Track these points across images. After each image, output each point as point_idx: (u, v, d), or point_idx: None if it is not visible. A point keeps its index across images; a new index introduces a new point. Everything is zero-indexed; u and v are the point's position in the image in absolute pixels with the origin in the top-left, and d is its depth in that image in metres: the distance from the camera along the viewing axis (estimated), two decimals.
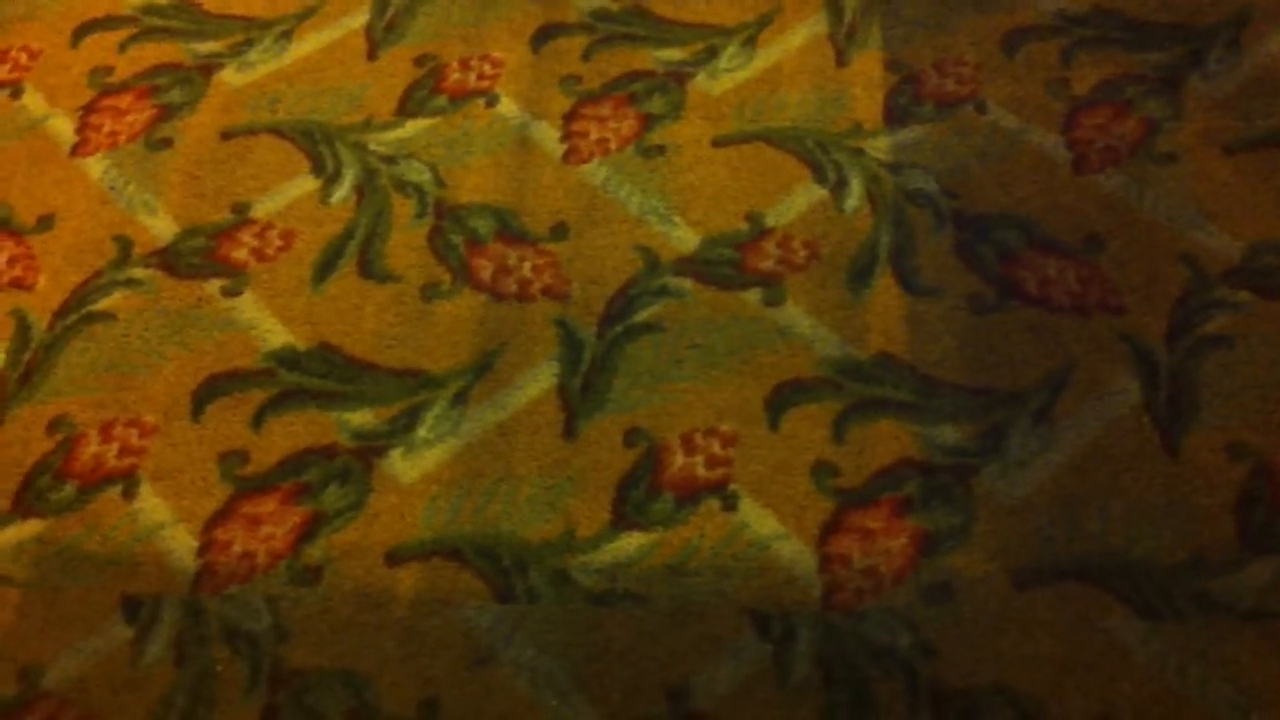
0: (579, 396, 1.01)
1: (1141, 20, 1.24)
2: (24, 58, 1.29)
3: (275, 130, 1.22)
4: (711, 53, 1.25)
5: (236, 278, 1.10)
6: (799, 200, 1.13)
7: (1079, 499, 0.93)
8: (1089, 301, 1.03)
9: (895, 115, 1.19)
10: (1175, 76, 1.19)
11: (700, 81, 1.23)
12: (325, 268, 1.10)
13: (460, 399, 1.01)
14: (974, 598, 0.90)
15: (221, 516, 0.96)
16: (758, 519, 0.94)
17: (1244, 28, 1.23)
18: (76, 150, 1.20)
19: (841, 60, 1.24)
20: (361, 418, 1.01)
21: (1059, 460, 0.95)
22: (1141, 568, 0.90)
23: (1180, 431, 0.95)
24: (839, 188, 1.14)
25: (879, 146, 1.17)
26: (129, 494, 0.97)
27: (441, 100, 1.23)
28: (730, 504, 0.95)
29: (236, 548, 0.95)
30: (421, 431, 1.00)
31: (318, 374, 1.03)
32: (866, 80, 1.22)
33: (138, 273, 1.10)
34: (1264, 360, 1.00)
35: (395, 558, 0.94)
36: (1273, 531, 0.90)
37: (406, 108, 1.22)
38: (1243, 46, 1.21)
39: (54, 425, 1.02)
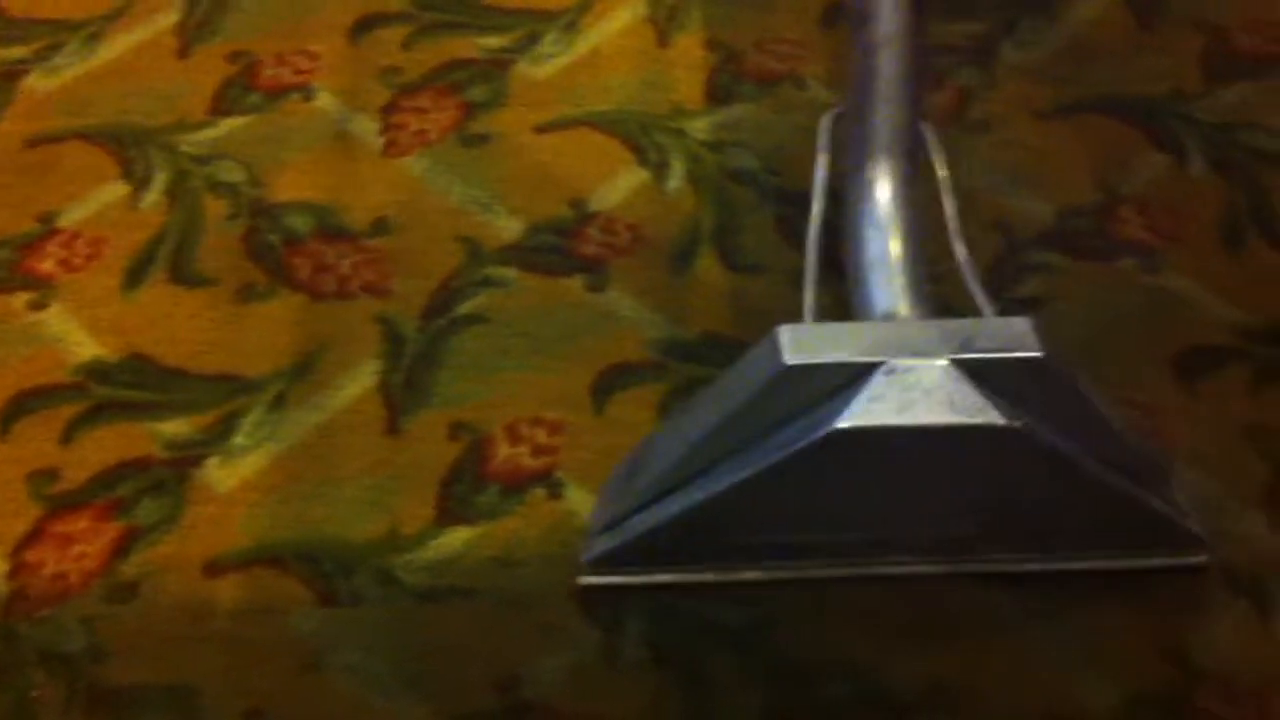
0: (402, 393, 1.00)
1: None
2: None
3: (84, 135, 1.18)
4: (533, 38, 1.24)
5: (43, 290, 1.06)
6: (622, 183, 1.13)
7: None
8: None
9: (717, 95, 1.19)
10: (988, 45, 1.21)
11: (522, 68, 1.22)
12: (136, 275, 1.07)
13: (279, 402, 0.99)
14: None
15: (31, 538, 0.93)
16: (585, 505, 0.94)
17: None
18: None
19: (663, 41, 1.24)
20: (175, 427, 0.98)
21: None
22: None
23: None
24: (661, 169, 1.14)
25: (701, 127, 1.17)
26: None
27: (256, 97, 1.20)
28: (556, 492, 0.95)
29: (48, 569, 0.91)
30: (238, 438, 0.98)
31: (129, 385, 1.01)
32: (688, 61, 1.22)
33: None
34: (1078, 318, 1.02)
35: (214, 568, 0.91)
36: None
37: (220, 106, 1.19)
38: (1055, 14, 1.24)
39: None
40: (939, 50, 1.21)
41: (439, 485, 0.95)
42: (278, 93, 1.20)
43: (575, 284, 1.06)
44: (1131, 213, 1.08)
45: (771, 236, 1.08)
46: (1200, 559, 0.89)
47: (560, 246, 1.08)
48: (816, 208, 0.93)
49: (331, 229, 1.10)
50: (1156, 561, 0.89)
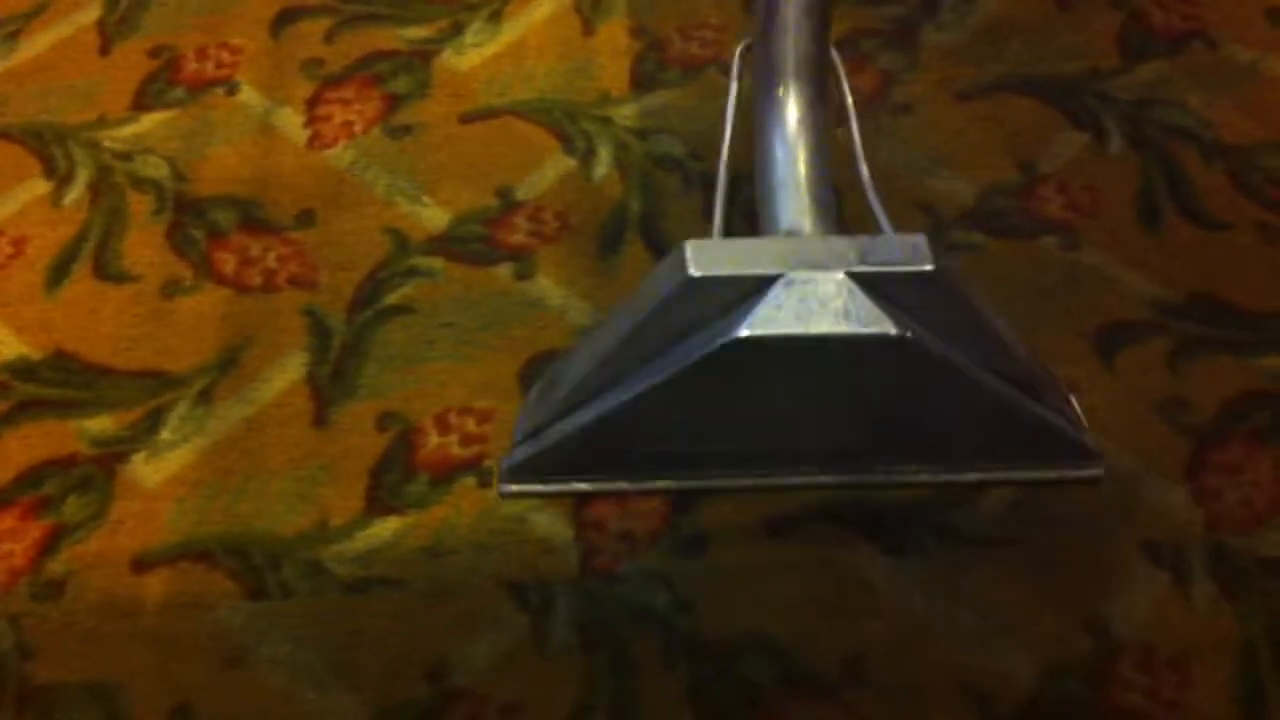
0: (329, 384, 1.00)
1: None
2: None
3: (4, 134, 1.17)
4: (457, 28, 1.24)
5: None
6: (549, 172, 1.13)
7: None
8: None
9: (642, 82, 1.20)
10: (910, 28, 1.22)
11: (447, 58, 1.22)
12: (59, 272, 1.07)
13: (205, 397, 0.99)
14: (727, 549, 0.91)
15: None
16: None
17: None
18: None
19: (588, 29, 1.24)
20: (101, 424, 0.98)
21: None
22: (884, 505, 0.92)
23: None
24: (588, 157, 1.14)
25: (626, 114, 1.17)
26: None
27: (179, 92, 1.19)
28: (486, 480, 0.95)
29: None
30: (165, 433, 0.97)
31: (54, 383, 1.00)
32: (613, 48, 1.22)
33: None
34: (999, 295, 1.02)
35: (141, 564, 0.91)
36: None
37: (142, 101, 1.19)
38: None
39: None
40: (862, 34, 1.22)
41: (368, 476, 0.95)
42: (200, 87, 1.20)
43: (503, 273, 1.06)
44: (1051, 191, 1.09)
45: (698, 222, 1.08)
46: (1094, 472, 0.90)
47: (487, 236, 1.08)
48: (727, 132, 0.95)
49: (256, 222, 1.10)
50: (1051, 474, 0.90)
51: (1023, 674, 0.85)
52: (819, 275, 0.78)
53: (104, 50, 1.23)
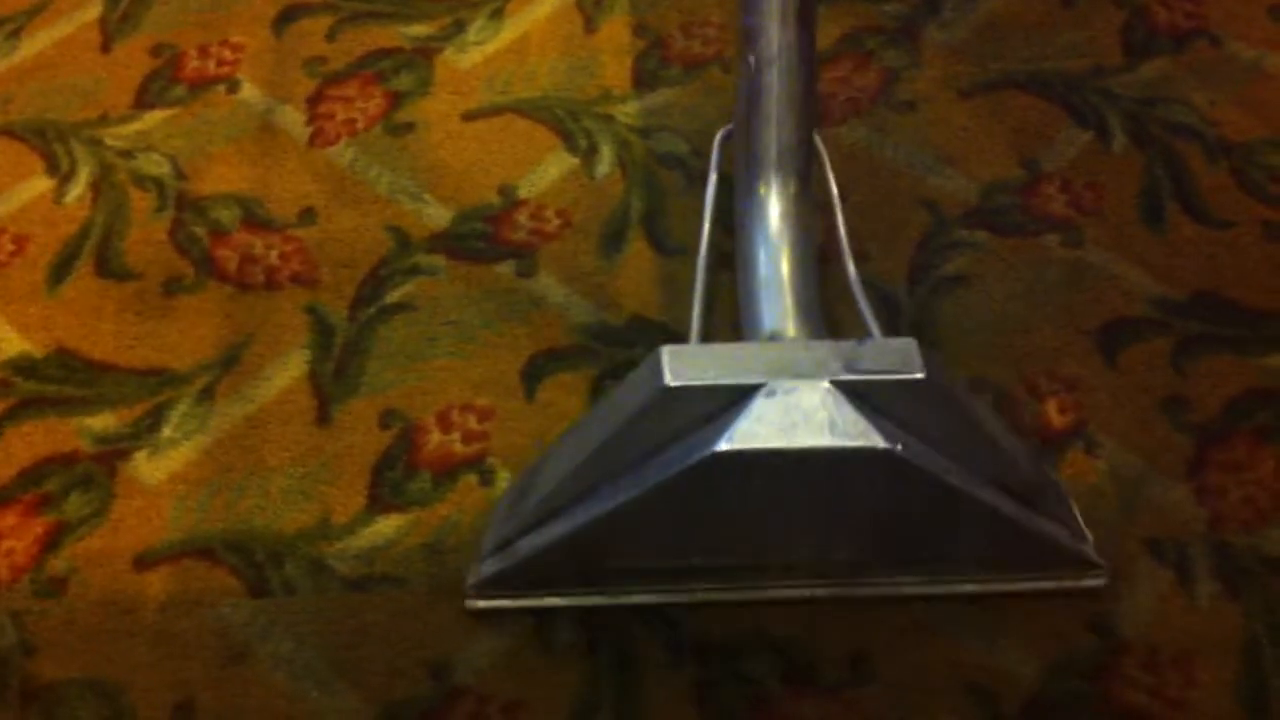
0: (331, 382, 1.00)
1: None
2: None
3: (6, 131, 1.17)
4: (459, 26, 1.24)
5: None
6: (551, 170, 1.13)
7: None
8: None
9: (644, 79, 1.20)
10: (913, 26, 1.22)
11: (448, 55, 1.22)
12: (61, 270, 1.06)
13: (207, 395, 0.99)
14: None
15: None
16: None
17: None
18: None
19: (590, 27, 1.24)
20: (103, 421, 0.98)
21: None
22: None
23: None
24: (590, 155, 1.14)
25: (629, 112, 1.17)
26: None
27: (180, 89, 1.19)
28: (488, 478, 0.95)
29: None
30: (167, 431, 0.97)
31: (56, 380, 1.00)
32: (615, 46, 1.22)
33: None
34: (1002, 293, 1.03)
35: (143, 562, 0.91)
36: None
37: (144, 99, 1.18)
38: None
39: None
40: (865, 31, 1.21)
41: (370, 473, 0.95)
42: (202, 85, 1.19)
43: (504, 270, 1.06)
44: (1054, 189, 1.09)
45: (700, 220, 1.08)
46: (1096, 582, 0.88)
47: (489, 234, 1.08)
48: (706, 229, 0.91)
49: (258, 220, 1.09)
50: (1050, 585, 0.87)
51: (1026, 672, 0.85)
52: (802, 385, 0.74)
53: (105, 48, 1.23)
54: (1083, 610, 0.88)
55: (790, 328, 0.85)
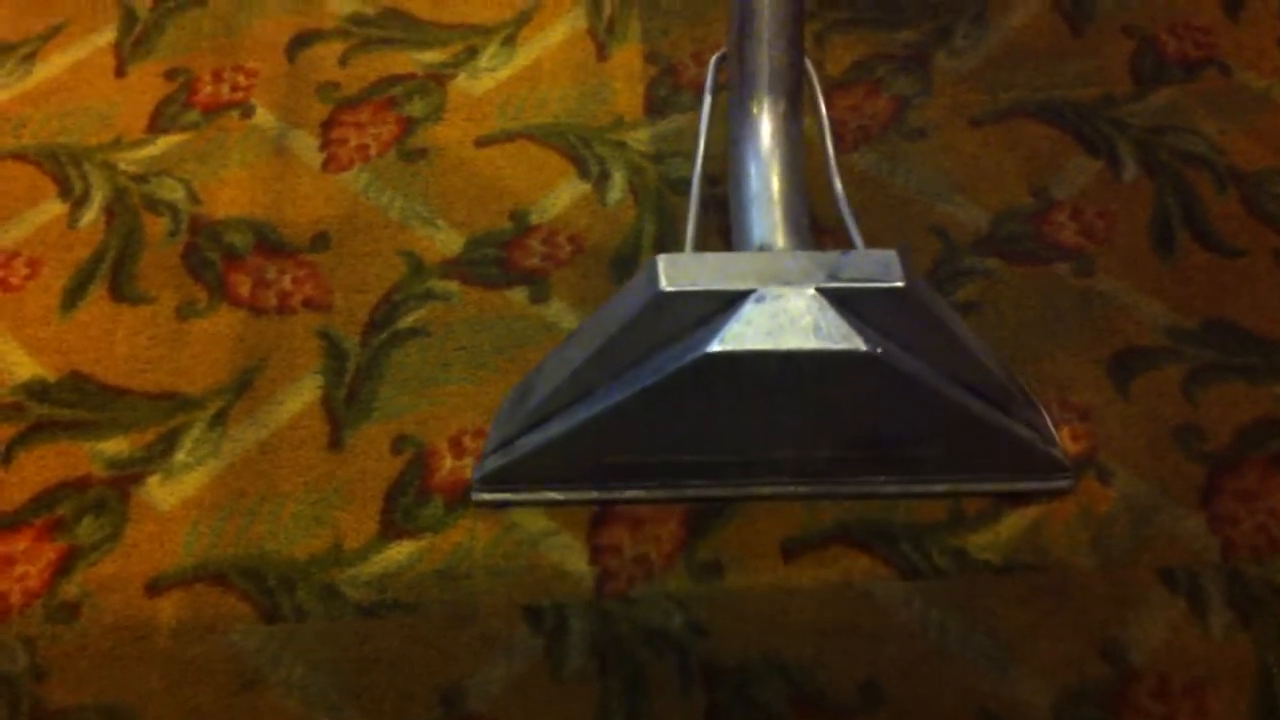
0: (344, 407, 1.00)
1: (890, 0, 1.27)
2: None
3: (19, 155, 1.17)
4: (471, 52, 1.24)
5: None
6: (563, 196, 1.13)
7: None
8: None
9: (656, 106, 1.20)
10: (924, 53, 1.23)
11: (461, 82, 1.22)
12: (74, 294, 1.07)
13: (220, 419, 0.99)
14: (742, 573, 0.91)
15: None
16: (527, 517, 0.94)
17: (988, 3, 1.26)
18: None
19: (602, 54, 1.24)
20: (116, 446, 0.98)
21: None
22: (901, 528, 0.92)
23: None
24: (602, 181, 1.14)
25: (640, 138, 1.17)
26: None
27: (194, 114, 1.20)
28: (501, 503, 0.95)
29: None
30: (180, 456, 0.97)
31: (69, 404, 1.00)
32: (627, 73, 1.23)
33: None
34: (1014, 321, 1.03)
35: (156, 587, 0.91)
36: None
37: (158, 124, 1.19)
38: (988, 21, 1.25)
39: None
40: (876, 59, 1.22)
41: (382, 499, 0.95)
42: (216, 109, 1.20)
43: (517, 296, 1.06)
44: (1065, 217, 1.09)
45: (714, 244, 1.09)
46: (1063, 484, 0.93)
47: (501, 259, 1.09)
48: (701, 144, 0.96)
49: (272, 244, 1.10)
50: (1020, 486, 0.93)
51: (1039, 701, 0.85)
52: (789, 291, 0.80)
53: (120, 72, 1.24)
54: (1096, 638, 0.87)
55: (779, 239, 0.90)
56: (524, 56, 1.24)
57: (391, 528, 0.94)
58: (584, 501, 0.93)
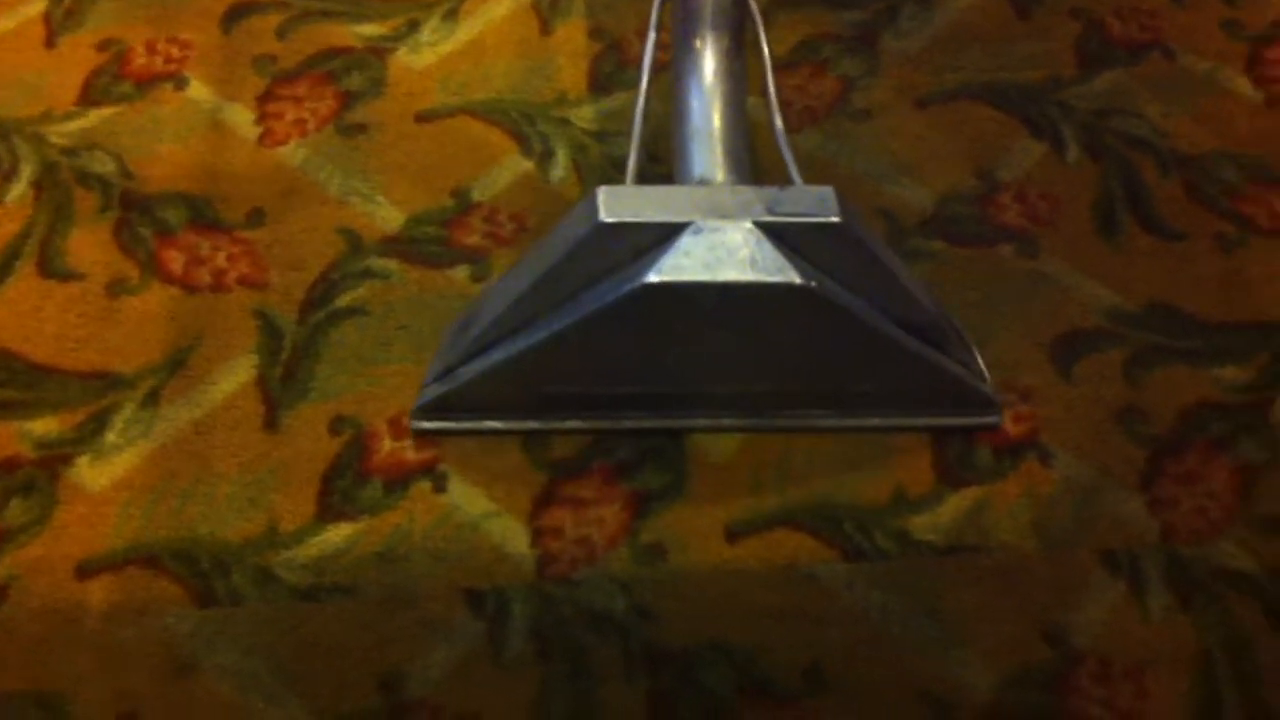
0: (280, 387, 0.98)
1: None
2: None
3: None
4: (412, 26, 1.22)
5: None
6: (505, 173, 1.12)
7: None
8: None
9: (600, 83, 1.19)
10: (870, 34, 1.22)
11: (402, 56, 1.20)
12: (2, 270, 1.04)
13: (152, 399, 0.97)
14: (686, 556, 0.90)
15: None
16: (468, 498, 0.93)
17: None
18: None
19: (546, 29, 1.23)
20: (45, 426, 0.95)
21: None
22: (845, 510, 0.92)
23: None
24: (545, 158, 1.13)
25: (584, 115, 1.16)
26: None
27: (127, 86, 1.17)
28: (440, 485, 0.93)
29: None
30: (111, 436, 0.95)
31: None
32: (571, 49, 1.21)
33: None
34: (957, 303, 1.02)
35: (86, 570, 0.89)
36: None
37: (89, 96, 1.16)
38: (935, 2, 1.25)
39: None
40: (822, 39, 1.21)
41: (320, 481, 0.94)
42: (149, 82, 1.17)
43: (458, 275, 1.05)
44: (1009, 199, 1.09)
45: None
46: (992, 419, 0.95)
47: (443, 237, 1.07)
48: (644, 81, 0.96)
49: (206, 220, 1.07)
50: (950, 421, 0.95)
51: (981, 683, 0.85)
52: (727, 224, 0.81)
53: (50, 43, 1.20)
54: (1038, 621, 0.88)
55: (719, 173, 0.91)
56: (466, 31, 1.22)
57: (329, 510, 0.92)
58: (523, 431, 0.94)
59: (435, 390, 0.93)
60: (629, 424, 0.94)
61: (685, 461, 0.94)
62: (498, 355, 0.89)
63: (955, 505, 0.93)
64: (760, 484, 0.93)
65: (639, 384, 0.91)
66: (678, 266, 0.81)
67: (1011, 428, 0.96)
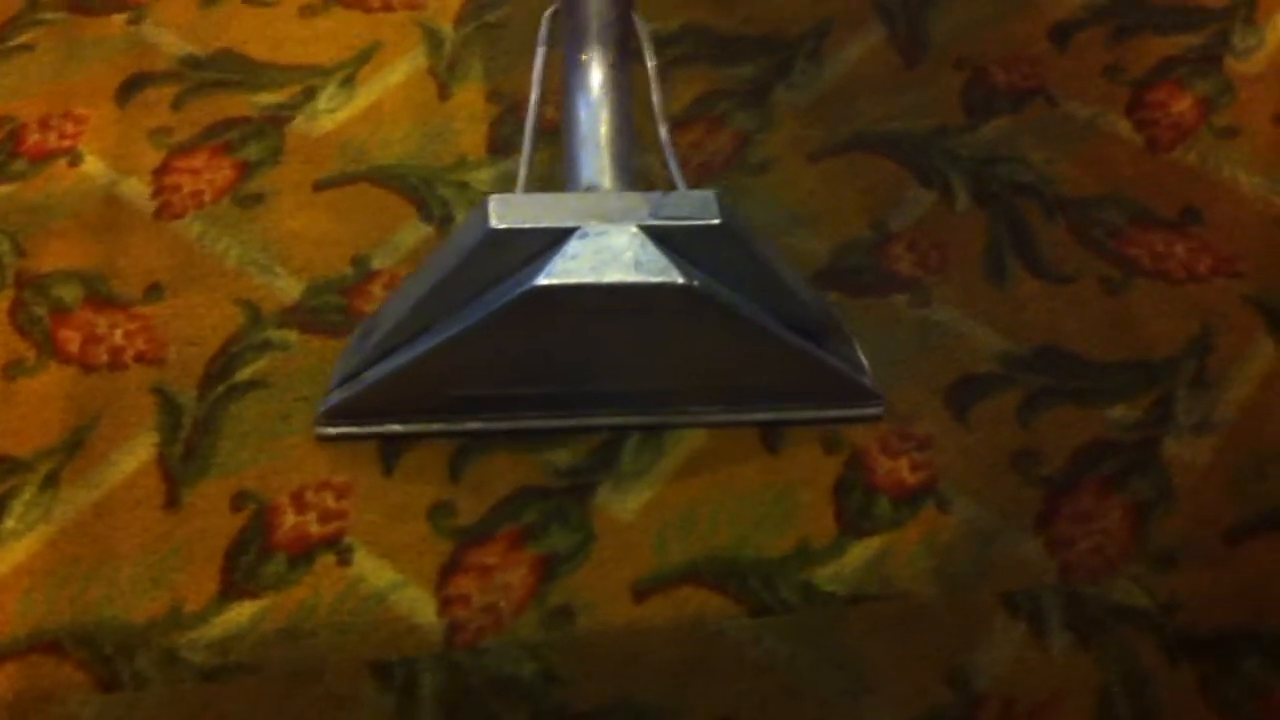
0: (181, 464, 0.97)
1: (729, 36, 1.28)
2: None
3: None
4: (309, 94, 1.23)
5: None
6: (406, 239, 1.12)
7: None
8: None
9: (499, 146, 1.20)
10: (763, 88, 1.24)
11: (299, 124, 1.20)
12: None
13: (51, 481, 0.96)
14: (593, 616, 0.91)
15: None
16: (374, 570, 0.93)
17: (824, 38, 1.28)
18: None
19: (444, 94, 1.24)
20: None
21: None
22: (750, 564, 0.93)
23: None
24: (445, 223, 1.13)
25: (483, 178, 1.17)
26: None
27: (21, 164, 1.16)
28: (346, 558, 0.93)
29: None
30: (9, 522, 0.94)
31: None
32: (470, 113, 1.22)
33: None
34: None
35: None
36: None
37: None
38: (823, 56, 1.27)
39: None
40: (717, 95, 1.23)
41: (223, 558, 0.93)
42: (43, 158, 1.16)
43: None
44: (902, 248, 1.11)
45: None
46: (874, 411, 1.00)
47: (343, 306, 1.07)
48: (534, 95, 1.00)
49: (102, 297, 1.07)
50: (834, 414, 0.99)
51: None
52: (612, 228, 0.85)
53: None
54: (942, 666, 0.89)
55: (606, 180, 0.95)
56: (364, 97, 1.23)
57: (233, 588, 0.91)
58: (426, 434, 0.97)
59: (338, 396, 0.96)
60: (529, 424, 0.97)
61: (591, 522, 0.95)
62: (398, 360, 0.92)
63: (858, 555, 0.94)
64: (665, 542, 0.94)
65: (537, 384, 0.95)
66: (566, 270, 0.84)
67: (909, 476, 0.97)
